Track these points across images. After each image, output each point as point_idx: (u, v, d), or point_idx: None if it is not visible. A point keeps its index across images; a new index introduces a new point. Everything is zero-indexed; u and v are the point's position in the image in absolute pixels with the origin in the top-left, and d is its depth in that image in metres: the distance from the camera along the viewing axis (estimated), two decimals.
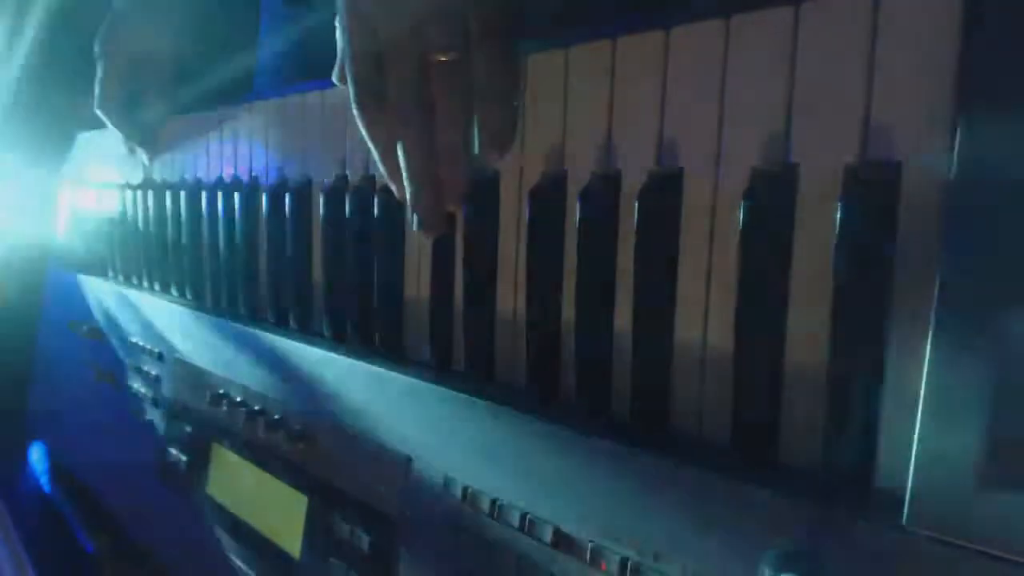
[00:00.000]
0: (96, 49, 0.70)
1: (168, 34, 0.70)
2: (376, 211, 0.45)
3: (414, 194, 0.38)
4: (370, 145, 0.39)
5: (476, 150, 0.37)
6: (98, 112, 0.70)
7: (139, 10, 0.70)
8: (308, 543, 0.46)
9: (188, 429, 0.59)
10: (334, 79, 0.42)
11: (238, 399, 0.53)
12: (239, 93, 0.60)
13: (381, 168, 0.39)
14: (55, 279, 0.89)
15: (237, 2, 0.81)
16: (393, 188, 0.40)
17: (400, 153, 0.38)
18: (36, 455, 0.87)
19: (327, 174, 0.49)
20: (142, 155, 0.72)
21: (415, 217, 0.39)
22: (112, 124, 0.71)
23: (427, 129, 0.37)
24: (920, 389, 0.22)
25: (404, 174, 0.38)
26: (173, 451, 0.60)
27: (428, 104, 0.37)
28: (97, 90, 0.70)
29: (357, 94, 0.38)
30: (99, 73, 0.70)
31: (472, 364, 0.40)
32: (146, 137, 0.71)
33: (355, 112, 0.38)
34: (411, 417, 0.40)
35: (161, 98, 0.70)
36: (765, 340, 0.28)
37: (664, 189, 0.31)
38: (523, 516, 0.33)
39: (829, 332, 0.26)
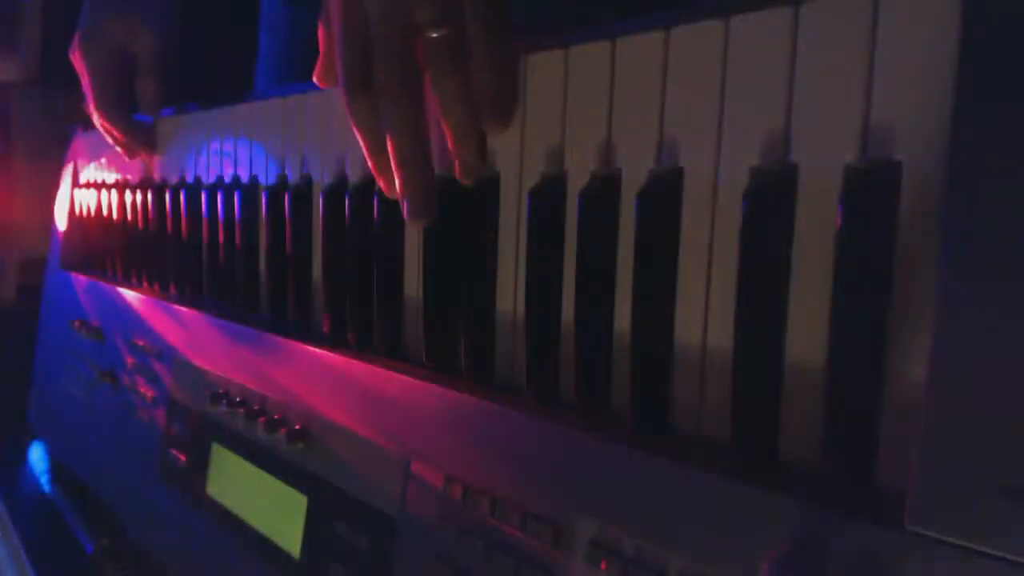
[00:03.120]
0: (74, 55, 0.68)
1: (151, 20, 0.68)
2: (376, 211, 0.45)
3: (404, 180, 0.37)
4: (357, 135, 0.38)
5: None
6: (96, 117, 0.69)
7: (113, 5, 0.68)
8: (308, 543, 0.46)
9: (188, 429, 0.59)
10: (315, 79, 0.42)
11: (238, 399, 0.53)
12: (239, 92, 0.60)
13: (368, 159, 0.39)
14: (55, 279, 0.89)
15: None
16: (380, 183, 0.40)
17: (388, 139, 0.37)
18: (36, 455, 0.87)
19: (327, 174, 0.49)
20: (142, 154, 0.72)
21: (404, 204, 0.38)
22: (112, 125, 0.69)
23: (416, 109, 0.36)
24: (921, 388, 0.22)
25: (392, 161, 0.37)
26: (173, 451, 0.60)
27: (417, 85, 0.36)
28: (88, 94, 0.68)
29: (346, 80, 0.37)
30: (86, 77, 0.68)
31: (472, 364, 0.40)
32: (147, 136, 0.70)
33: (343, 99, 0.37)
34: (411, 417, 0.40)
35: (157, 89, 0.69)
36: (765, 340, 0.28)
37: (664, 189, 0.31)
38: (523, 516, 0.33)
39: (829, 332, 0.26)
